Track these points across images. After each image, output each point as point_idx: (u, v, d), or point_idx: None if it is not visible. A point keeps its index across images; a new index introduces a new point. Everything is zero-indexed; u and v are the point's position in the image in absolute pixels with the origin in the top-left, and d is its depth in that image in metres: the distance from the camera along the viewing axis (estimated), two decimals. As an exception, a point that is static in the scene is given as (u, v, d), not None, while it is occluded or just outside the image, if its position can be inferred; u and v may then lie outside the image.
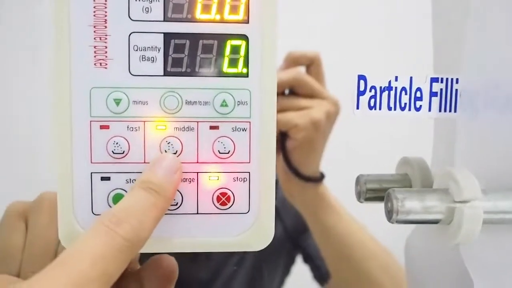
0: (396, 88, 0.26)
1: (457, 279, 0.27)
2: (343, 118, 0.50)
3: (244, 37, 0.25)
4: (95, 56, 0.24)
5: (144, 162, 0.24)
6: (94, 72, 0.24)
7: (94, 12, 0.24)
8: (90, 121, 0.24)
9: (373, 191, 0.29)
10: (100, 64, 0.24)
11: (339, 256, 0.54)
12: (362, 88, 0.26)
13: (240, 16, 0.24)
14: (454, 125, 0.26)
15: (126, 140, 0.24)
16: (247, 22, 0.25)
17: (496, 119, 0.25)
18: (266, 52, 0.25)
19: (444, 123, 0.28)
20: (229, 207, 0.25)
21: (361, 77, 0.25)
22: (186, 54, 0.24)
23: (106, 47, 0.24)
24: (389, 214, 0.24)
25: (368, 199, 0.29)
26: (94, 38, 0.24)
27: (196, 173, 0.25)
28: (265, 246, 0.26)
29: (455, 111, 0.26)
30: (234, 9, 0.24)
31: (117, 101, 0.24)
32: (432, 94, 0.26)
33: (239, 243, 0.26)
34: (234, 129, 0.25)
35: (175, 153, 0.25)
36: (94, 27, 0.24)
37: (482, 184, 0.24)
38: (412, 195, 0.24)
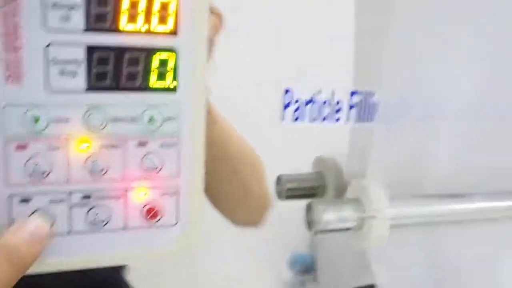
0: (319, 100, 0.27)
1: (359, 268, 0.30)
2: (269, 128, 0.49)
3: (173, 50, 0.24)
4: (6, 70, 0.22)
5: (68, 183, 0.23)
6: (7, 88, 0.22)
7: (4, 19, 0.21)
8: (5, 141, 0.22)
9: (292, 190, 0.30)
10: (13, 79, 0.22)
11: (215, 156, 0.53)
12: (287, 101, 0.26)
13: (169, 27, 0.23)
14: (369, 135, 0.27)
15: (47, 160, 0.23)
16: (176, 33, 0.23)
17: (407, 130, 0.27)
18: (196, 65, 0.24)
19: (360, 133, 0.29)
20: (158, 221, 0.25)
21: (287, 91, 0.26)
22: (111, 68, 0.23)
23: (19, 60, 0.22)
24: (310, 225, 0.26)
25: (288, 197, 0.30)
26: (5, 50, 0.21)
27: (124, 190, 0.24)
28: (193, 254, 0.26)
29: (371, 121, 0.27)
30: (162, 19, 0.23)
31: (35, 119, 0.22)
32: (352, 106, 0.27)
33: (167, 253, 0.26)
34: (163, 145, 0.24)
35: (101, 171, 0.24)
36: (5, 36, 0.21)
37: (392, 190, 0.27)
38: (329, 207, 0.26)
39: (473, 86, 0.28)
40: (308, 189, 0.31)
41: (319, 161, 0.31)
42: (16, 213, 0.23)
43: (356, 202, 0.26)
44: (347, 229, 0.26)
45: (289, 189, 0.30)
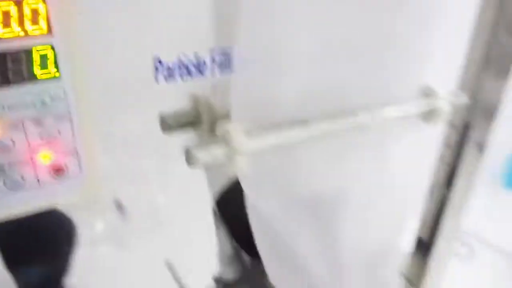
0: (184, 61, 0.32)
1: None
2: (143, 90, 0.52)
3: (51, 47, 0.28)
4: None
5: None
6: None
7: None
8: None
9: (174, 126, 0.37)
10: None
11: None
12: (157, 64, 0.32)
13: (44, 28, 0.27)
14: (228, 83, 0.34)
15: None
16: (51, 33, 0.28)
17: (262, 78, 0.34)
18: (73, 55, 0.29)
19: (220, 81, 0.36)
20: (67, 177, 0.32)
21: (157, 56, 0.31)
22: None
23: None
24: (188, 162, 0.33)
25: (171, 130, 0.37)
26: None
27: (30, 158, 0.30)
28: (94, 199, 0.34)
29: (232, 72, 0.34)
30: (35, 22, 0.27)
31: None
32: (214, 60, 0.33)
33: (75, 200, 0.33)
34: (56, 119, 0.30)
35: (7, 147, 0.29)
36: None
37: (252, 125, 0.34)
38: (202, 149, 0.33)
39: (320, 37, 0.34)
40: (186, 123, 0.38)
41: (195, 98, 0.37)
42: None
43: (223, 140, 0.34)
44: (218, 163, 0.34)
45: (170, 125, 0.37)
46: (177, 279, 0.71)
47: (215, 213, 0.57)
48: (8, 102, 0.28)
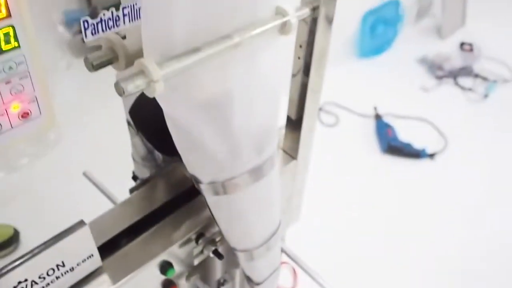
0: (104, 19, 0.43)
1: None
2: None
3: (11, 26, 0.38)
4: None
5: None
6: None
7: None
8: None
9: (97, 65, 0.48)
10: None
11: None
12: (85, 25, 0.42)
13: (5, 13, 0.37)
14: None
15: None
16: (11, 16, 0.37)
17: (161, 22, 0.46)
18: (28, 29, 0.39)
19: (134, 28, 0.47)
20: (31, 119, 0.43)
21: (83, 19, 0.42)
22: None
23: None
24: (118, 93, 0.45)
25: (95, 68, 0.48)
26: None
27: (5, 109, 0.41)
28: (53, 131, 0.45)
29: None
30: (-3, 10, 0.37)
31: None
32: (125, 14, 0.44)
33: (41, 133, 0.44)
34: (21, 78, 0.40)
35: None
36: None
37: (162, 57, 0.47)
38: (128, 81, 0.45)
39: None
40: (106, 62, 0.49)
41: (108, 40, 0.49)
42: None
43: (142, 72, 0.46)
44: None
45: (94, 65, 0.48)
46: (97, 185, 0.84)
47: (129, 123, 0.69)
48: (20, 71, 0.38)
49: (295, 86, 0.74)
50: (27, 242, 1.36)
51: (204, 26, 0.50)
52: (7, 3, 0.37)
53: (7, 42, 0.38)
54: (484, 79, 2.29)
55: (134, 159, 0.75)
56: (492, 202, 1.69)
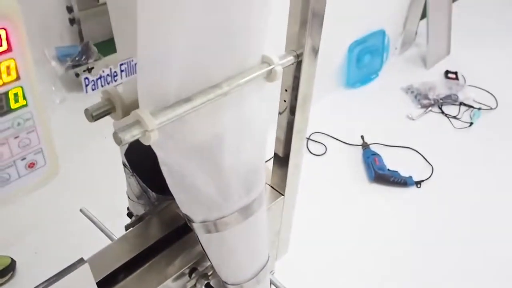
0: (103, 75, 0.48)
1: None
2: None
3: (20, 87, 0.42)
4: None
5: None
6: None
7: None
8: None
9: (96, 115, 0.52)
10: None
11: None
12: (85, 81, 0.46)
13: (15, 76, 0.41)
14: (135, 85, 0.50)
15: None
16: (20, 78, 0.41)
17: (155, 75, 0.50)
18: (34, 90, 0.43)
19: (129, 83, 0.51)
20: (37, 168, 0.46)
21: (83, 76, 0.46)
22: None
23: None
24: (116, 142, 0.49)
25: (95, 119, 0.52)
26: None
27: (13, 160, 0.44)
28: (55, 175, 0.49)
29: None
30: (9, 74, 0.41)
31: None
32: (122, 70, 0.49)
33: (45, 181, 0.48)
34: (28, 132, 0.44)
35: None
36: None
37: (156, 106, 0.51)
38: (125, 132, 0.49)
39: None
40: (104, 112, 0.53)
41: (106, 92, 0.53)
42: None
43: (137, 123, 0.50)
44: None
45: (93, 115, 0.52)
46: (93, 221, 0.87)
47: (124, 165, 0.73)
48: (27, 126, 0.42)
49: (281, 125, 0.78)
50: (23, 271, 1.39)
51: (195, 78, 0.55)
52: (17, 67, 0.41)
53: (16, 101, 0.42)
54: (469, 107, 2.36)
55: (129, 197, 0.79)
56: (479, 229, 1.72)
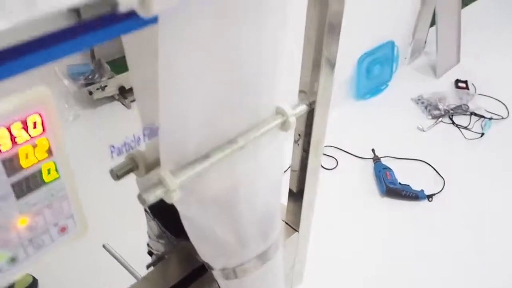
0: (128, 142, 0.50)
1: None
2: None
3: (53, 163, 0.45)
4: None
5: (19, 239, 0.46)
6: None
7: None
8: None
9: (120, 174, 0.55)
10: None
11: None
12: (112, 149, 0.49)
13: (47, 153, 0.44)
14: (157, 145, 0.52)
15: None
16: (52, 154, 0.44)
17: (176, 137, 0.53)
18: (65, 164, 0.46)
19: (151, 145, 0.54)
20: (68, 231, 0.49)
21: (110, 144, 0.49)
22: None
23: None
24: (141, 202, 0.52)
25: (119, 178, 0.55)
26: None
27: (47, 228, 0.47)
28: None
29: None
30: (42, 152, 0.43)
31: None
32: (145, 135, 0.51)
33: (76, 240, 0.51)
34: (61, 201, 0.47)
35: (38, 227, 0.46)
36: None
37: (175, 166, 0.54)
38: (149, 193, 0.52)
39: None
40: (128, 171, 0.56)
41: (131, 152, 0.56)
42: None
43: (160, 183, 0.53)
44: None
45: (118, 175, 0.55)
46: (117, 258, 0.90)
47: (145, 210, 0.76)
48: (33, 201, 0.45)
49: (295, 163, 0.80)
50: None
51: (212, 135, 0.58)
52: (50, 145, 0.44)
53: (49, 174, 0.45)
54: (480, 116, 2.36)
55: (149, 236, 0.82)
56: (493, 242, 1.74)
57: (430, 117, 2.36)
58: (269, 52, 0.57)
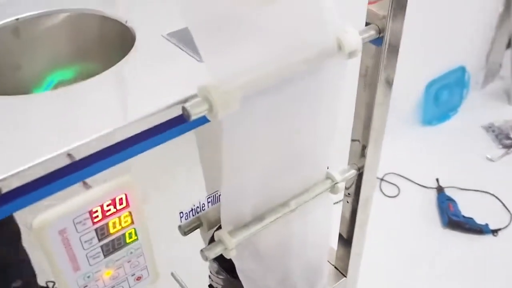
0: (194, 208, 0.60)
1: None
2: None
3: (134, 229, 0.55)
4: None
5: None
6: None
7: None
8: None
9: (185, 231, 0.65)
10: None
11: None
12: (181, 215, 0.59)
13: (130, 222, 0.54)
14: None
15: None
16: (133, 223, 0.55)
17: (233, 202, 0.62)
18: (144, 229, 0.56)
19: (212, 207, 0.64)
20: (142, 279, 0.60)
21: (180, 210, 0.59)
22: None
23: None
24: (204, 259, 0.61)
25: (186, 233, 0.65)
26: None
27: (126, 278, 0.58)
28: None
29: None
30: (126, 223, 0.54)
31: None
32: (209, 202, 0.61)
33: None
34: (138, 257, 0.57)
35: (117, 280, 0.57)
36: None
37: (233, 227, 0.63)
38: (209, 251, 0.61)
39: None
40: (194, 228, 0.66)
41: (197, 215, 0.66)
42: None
43: (220, 243, 0.62)
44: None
45: (185, 231, 0.65)
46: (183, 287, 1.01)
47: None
48: (116, 258, 0.56)
49: (346, 208, 0.86)
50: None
51: (267, 199, 0.66)
52: (132, 217, 0.54)
53: (130, 237, 0.55)
54: (555, 148, 2.28)
55: (210, 271, 0.91)
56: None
57: (501, 146, 2.30)
58: (325, 123, 0.63)
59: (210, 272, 0.94)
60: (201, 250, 0.62)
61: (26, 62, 0.69)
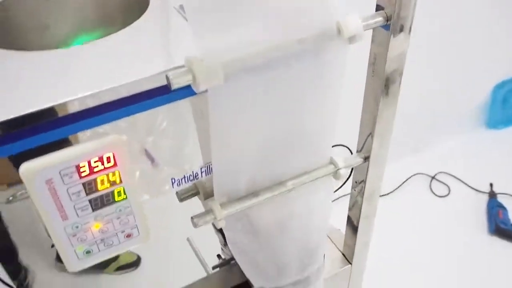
0: (186, 175, 0.62)
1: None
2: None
3: (122, 188, 0.58)
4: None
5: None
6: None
7: None
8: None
9: (182, 197, 0.68)
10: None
11: None
12: (173, 181, 0.62)
13: (118, 181, 0.57)
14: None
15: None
16: (122, 182, 0.58)
17: (227, 174, 0.63)
18: (132, 189, 0.59)
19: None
20: (133, 237, 0.63)
21: (172, 178, 0.61)
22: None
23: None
24: (194, 226, 0.64)
25: (183, 200, 0.68)
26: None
27: (116, 233, 0.61)
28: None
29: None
30: (114, 179, 0.57)
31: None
32: (202, 171, 0.63)
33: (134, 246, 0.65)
34: (127, 215, 0.61)
35: (109, 234, 0.60)
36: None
37: (226, 199, 0.65)
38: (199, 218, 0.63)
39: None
40: (190, 195, 0.69)
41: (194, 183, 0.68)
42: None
43: (210, 211, 0.64)
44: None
45: (182, 198, 0.68)
46: (196, 254, 1.04)
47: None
48: (105, 213, 0.59)
49: (353, 198, 0.85)
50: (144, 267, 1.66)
51: (263, 176, 0.67)
52: (120, 176, 0.57)
53: (119, 196, 0.59)
54: None
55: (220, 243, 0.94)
56: None
57: None
58: (326, 108, 0.62)
59: (220, 244, 0.97)
60: (192, 217, 0.64)
61: (53, 23, 0.74)
